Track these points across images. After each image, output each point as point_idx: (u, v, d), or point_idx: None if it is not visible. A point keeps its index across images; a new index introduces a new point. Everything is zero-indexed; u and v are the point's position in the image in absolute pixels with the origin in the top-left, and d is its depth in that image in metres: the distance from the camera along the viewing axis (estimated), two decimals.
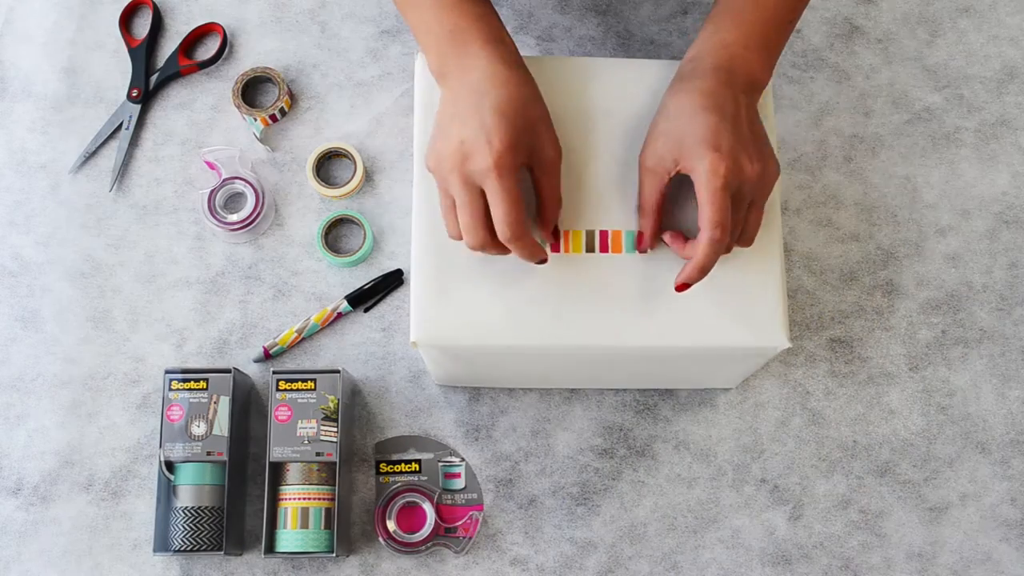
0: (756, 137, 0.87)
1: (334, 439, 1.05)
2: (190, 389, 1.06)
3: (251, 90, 1.19)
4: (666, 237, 0.91)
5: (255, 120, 1.16)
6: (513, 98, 0.85)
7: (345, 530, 1.07)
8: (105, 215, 1.16)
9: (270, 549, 1.04)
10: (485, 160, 0.83)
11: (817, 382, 1.13)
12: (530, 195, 0.91)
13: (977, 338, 1.15)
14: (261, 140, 1.17)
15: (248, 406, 1.11)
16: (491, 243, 0.86)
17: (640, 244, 0.92)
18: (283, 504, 1.05)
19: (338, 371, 1.06)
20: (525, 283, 0.93)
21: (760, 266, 0.94)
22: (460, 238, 0.88)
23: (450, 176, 0.85)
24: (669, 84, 0.91)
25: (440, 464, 1.10)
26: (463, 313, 0.92)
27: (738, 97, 0.87)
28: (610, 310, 0.92)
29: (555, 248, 0.94)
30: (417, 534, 1.07)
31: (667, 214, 0.93)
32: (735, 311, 0.93)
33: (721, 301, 0.93)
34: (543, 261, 0.88)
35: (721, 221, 0.84)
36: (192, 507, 1.04)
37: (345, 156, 1.16)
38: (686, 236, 0.91)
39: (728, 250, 0.90)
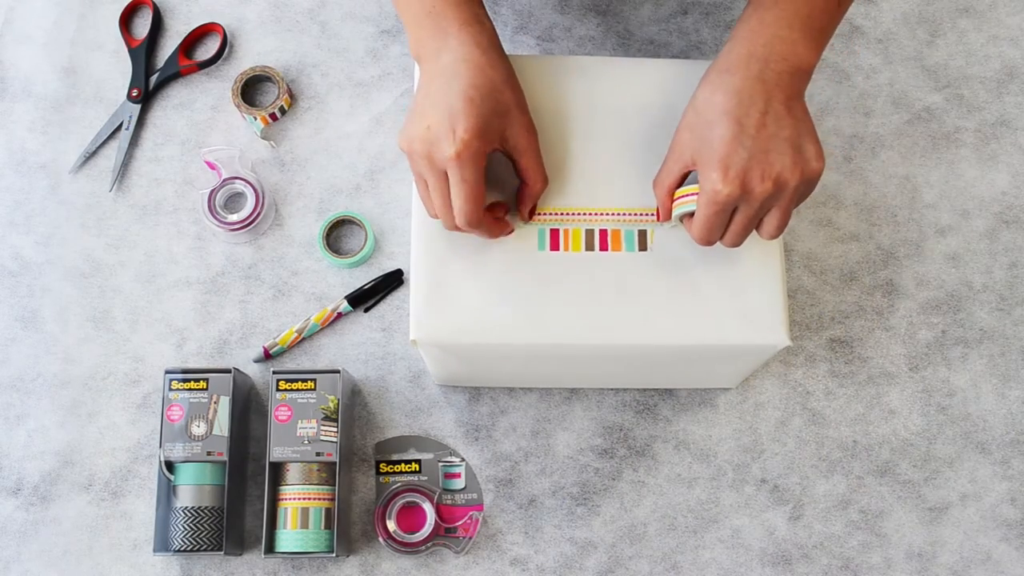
0: (786, 143, 0.83)
1: (334, 439, 1.05)
2: (190, 389, 1.06)
3: (251, 89, 1.19)
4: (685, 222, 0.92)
5: (255, 119, 1.16)
6: (482, 83, 0.85)
7: (345, 530, 1.07)
8: (105, 215, 1.16)
9: (270, 549, 1.04)
10: (449, 147, 0.83)
11: (817, 382, 1.13)
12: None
13: (977, 338, 1.15)
14: (263, 137, 1.17)
15: (248, 406, 1.11)
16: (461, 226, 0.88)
17: (658, 216, 0.93)
18: (283, 504, 1.05)
19: (338, 371, 1.06)
20: (524, 281, 0.93)
21: (760, 264, 0.94)
22: (437, 217, 0.89)
23: (420, 160, 0.85)
24: (708, 67, 0.88)
25: (440, 464, 1.10)
26: (462, 311, 0.92)
27: (771, 94, 0.83)
28: (610, 308, 0.92)
29: (554, 246, 0.94)
30: (417, 534, 1.07)
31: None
32: (735, 309, 0.93)
33: (721, 299, 0.93)
34: (508, 233, 0.92)
35: (706, 238, 0.87)
36: (192, 507, 1.04)
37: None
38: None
39: (735, 246, 0.90)
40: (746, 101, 0.83)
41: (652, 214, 0.95)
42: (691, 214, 0.89)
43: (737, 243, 0.88)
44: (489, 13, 1.20)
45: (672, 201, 0.90)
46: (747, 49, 0.84)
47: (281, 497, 1.05)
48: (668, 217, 0.91)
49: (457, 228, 0.89)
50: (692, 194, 0.88)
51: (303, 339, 1.13)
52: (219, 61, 1.19)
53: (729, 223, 0.87)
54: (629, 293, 0.93)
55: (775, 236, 0.88)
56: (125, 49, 1.20)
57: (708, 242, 0.87)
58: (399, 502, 1.08)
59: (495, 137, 0.86)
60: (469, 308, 0.92)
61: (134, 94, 1.17)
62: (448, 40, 0.86)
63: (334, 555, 1.04)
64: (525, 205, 0.92)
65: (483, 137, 0.84)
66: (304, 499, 1.04)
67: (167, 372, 1.06)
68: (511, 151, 0.89)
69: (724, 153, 0.82)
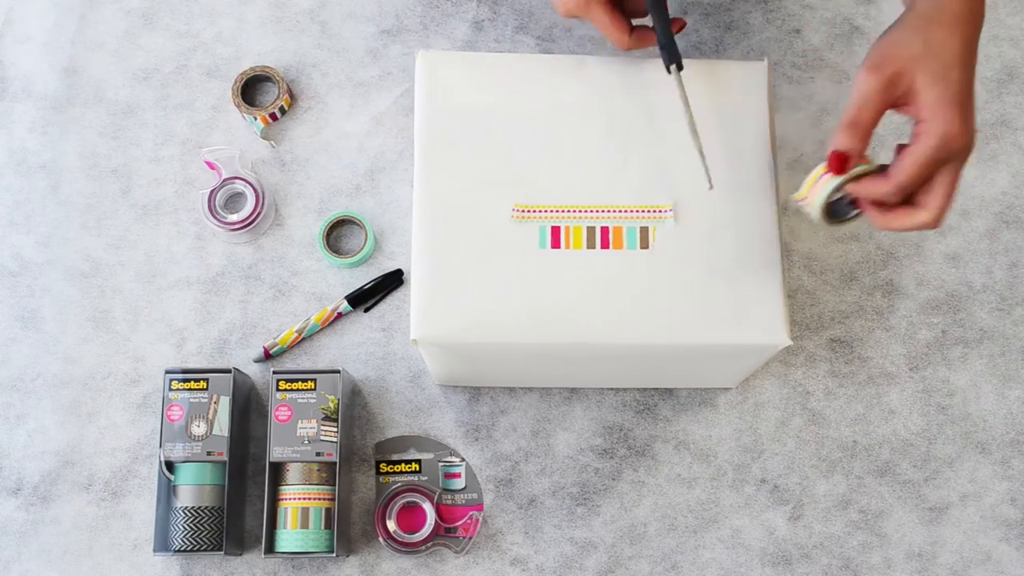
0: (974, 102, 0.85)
1: (334, 439, 1.05)
2: (190, 389, 1.06)
3: (251, 89, 1.19)
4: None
5: (255, 119, 1.16)
6: None
7: (345, 530, 1.07)
8: (105, 215, 1.16)
9: (270, 549, 1.04)
10: None
11: (817, 382, 1.13)
12: None
13: (977, 338, 1.15)
14: (263, 137, 1.17)
15: (248, 406, 1.11)
16: None
17: (836, 165, 0.84)
18: (283, 504, 1.05)
19: (338, 371, 1.06)
20: (525, 280, 0.93)
21: (760, 264, 0.94)
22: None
23: None
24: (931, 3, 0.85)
25: (440, 464, 1.10)
26: (463, 310, 0.92)
27: (975, 51, 0.85)
28: (610, 307, 0.93)
29: (555, 244, 0.94)
30: (417, 534, 1.07)
31: None
32: (736, 308, 0.93)
33: (722, 298, 0.93)
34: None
35: (909, 188, 0.83)
36: (192, 507, 1.04)
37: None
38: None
39: (938, 223, 0.85)
40: (972, 57, 0.84)
41: (656, 211, 0.94)
42: (856, 178, 0.84)
43: (945, 213, 0.84)
44: (489, 13, 1.20)
45: (869, 139, 0.84)
46: (970, 5, 0.85)
47: (281, 497, 1.05)
48: (859, 160, 0.84)
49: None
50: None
51: (303, 339, 1.13)
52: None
53: (930, 187, 0.83)
54: (630, 292, 0.93)
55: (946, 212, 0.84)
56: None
57: (906, 194, 0.83)
58: (399, 502, 1.08)
59: None
60: (470, 307, 0.92)
61: None
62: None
63: (334, 555, 1.04)
64: None
65: None
66: (304, 499, 1.04)
67: (167, 372, 1.06)
68: None
69: (964, 100, 0.82)
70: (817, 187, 0.86)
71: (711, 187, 0.93)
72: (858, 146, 0.84)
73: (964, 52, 0.83)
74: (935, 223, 0.84)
